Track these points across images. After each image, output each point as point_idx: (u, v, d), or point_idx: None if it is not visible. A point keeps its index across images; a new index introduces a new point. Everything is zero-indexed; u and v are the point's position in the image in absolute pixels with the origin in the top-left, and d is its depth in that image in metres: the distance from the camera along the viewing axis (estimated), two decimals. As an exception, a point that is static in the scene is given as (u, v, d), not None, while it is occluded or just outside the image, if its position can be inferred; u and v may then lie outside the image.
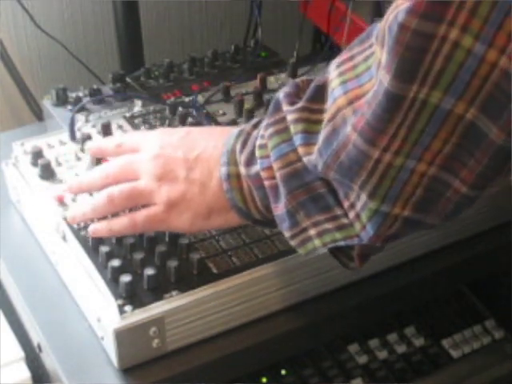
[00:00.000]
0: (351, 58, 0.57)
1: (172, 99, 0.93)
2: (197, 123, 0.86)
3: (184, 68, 1.00)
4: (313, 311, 0.73)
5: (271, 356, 0.74)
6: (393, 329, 0.83)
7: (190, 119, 0.87)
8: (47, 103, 0.94)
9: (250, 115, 0.88)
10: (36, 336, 0.72)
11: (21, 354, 0.72)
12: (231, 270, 0.69)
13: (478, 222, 0.81)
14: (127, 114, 0.90)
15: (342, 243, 0.60)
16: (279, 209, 0.62)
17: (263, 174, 0.62)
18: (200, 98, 0.93)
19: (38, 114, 1.15)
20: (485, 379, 0.83)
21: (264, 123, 0.63)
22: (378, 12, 1.08)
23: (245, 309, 0.70)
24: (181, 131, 0.71)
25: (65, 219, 0.73)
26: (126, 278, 0.66)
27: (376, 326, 0.83)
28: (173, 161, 0.67)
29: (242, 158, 0.64)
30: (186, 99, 0.93)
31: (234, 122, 0.88)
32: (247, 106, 0.90)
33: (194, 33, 1.40)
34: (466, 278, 0.87)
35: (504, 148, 0.50)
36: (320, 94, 0.59)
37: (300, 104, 0.60)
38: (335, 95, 0.56)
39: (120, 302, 0.65)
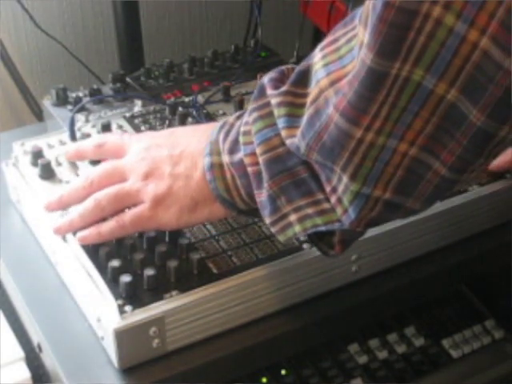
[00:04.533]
0: (334, 40, 0.57)
1: (172, 99, 0.93)
2: (197, 123, 0.86)
3: (184, 68, 1.00)
4: (313, 311, 0.73)
5: (271, 356, 0.74)
6: (393, 329, 0.83)
7: (189, 119, 0.87)
8: (47, 103, 0.94)
9: (250, 115, 0.88)
10: (36, 336, 0.72)
11: (21, 354, 0.72)
12: (231, 270, 0.69)
13: (478, 222, 0.81)
14: (127, 114, 0.90)
15: (322, 228, 0.60)
16: (262, 195, 0.62)
17: (246, 161, 0.62)
18: (200, 98, 0.93)
19: (38, 114, 1.16)
20: (485, 379, 0.83)
21: (248, 109, 0.63)
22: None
23: (245, 309, 0.70)
24: (165, 132, 0.72)
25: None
26: (125, 278, 0.66)
27: (376, 326, 0.83)
28: (158, 159, 0.68)
29: (225, 147, 0.64)
30: (186, 99, 0.93)
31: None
32: (247, 106, 0.89)
33: (194, 33, 1.40)
34: (465, 278, 0.87)
35: (483, 130, 0.50)
36: (304, 78, 0.59)
37: (284, 88, 0.60)
38: (318, 77, 0.57)
39: (120, 302, 0.65)
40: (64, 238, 0.72)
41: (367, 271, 0.75)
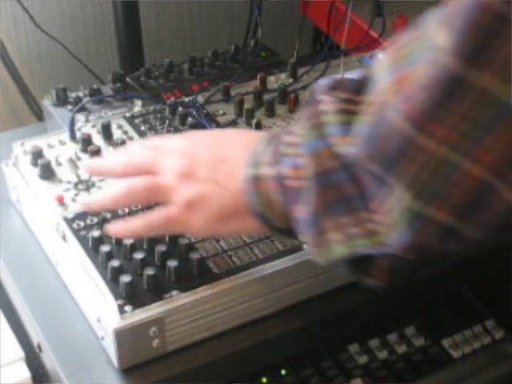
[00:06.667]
0: (398, 46, 0.53)
1: (172, 99, 0.93)
2: (197, 123, 0.87)
3: (184, 68, 1.00)
4: (313, 311, 0.73)
5: (271, 356, 0.74)
6: (393, 329, 0.83)
7: (189, 119, 0.87)
8: (47, 103, 0.94)
9: (250, 115, 0.88)
10: (36, 336, 0.72)
11: (21, 354, 0.72)
12: (231, 270, 0.69)
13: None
14: (127, 114, 0.90)
15: (371, 251, 0.54)
16: (301, 211, 0.57)
17: (289, 174, 0.58)
18: (200, 98, 0.93)
19: (38, 114, 1.16)
20: (485, 379, 0.83)
21: (296, 118, 0.60)
22: (378, 12, 1.08)
23: (245, 309, 0.70)
24: (210, 134, 0.70)
25: (65, 219, 0.73)
26: (125, 278, 0.66)
27: (376, 326, 0.83)
28: (197, 160, 0.65)
29: (266, 159, 0.60)
30: (186, 99, 0.93)
31: (233, 122, 0.88)
32: (247, 105, 0.89)
33: (194, 33, 1.40)
34: (465, 278, 0.87)
35: None
36: (361, 85, 0.55)
37: (337, 95, 0.55)
38: (381, 80, 0.52)
39: (120, 302, 0.65)
40: (64, 238, 0.72)
41: (367, 271, 0.75)
